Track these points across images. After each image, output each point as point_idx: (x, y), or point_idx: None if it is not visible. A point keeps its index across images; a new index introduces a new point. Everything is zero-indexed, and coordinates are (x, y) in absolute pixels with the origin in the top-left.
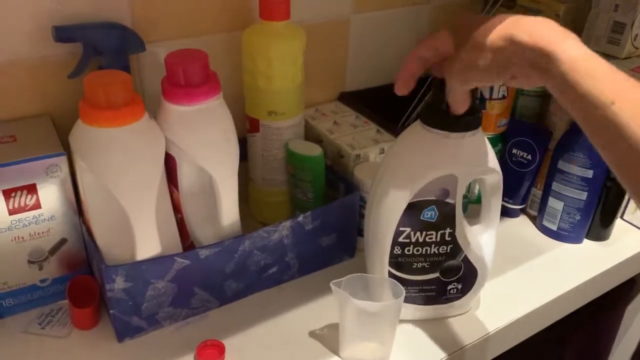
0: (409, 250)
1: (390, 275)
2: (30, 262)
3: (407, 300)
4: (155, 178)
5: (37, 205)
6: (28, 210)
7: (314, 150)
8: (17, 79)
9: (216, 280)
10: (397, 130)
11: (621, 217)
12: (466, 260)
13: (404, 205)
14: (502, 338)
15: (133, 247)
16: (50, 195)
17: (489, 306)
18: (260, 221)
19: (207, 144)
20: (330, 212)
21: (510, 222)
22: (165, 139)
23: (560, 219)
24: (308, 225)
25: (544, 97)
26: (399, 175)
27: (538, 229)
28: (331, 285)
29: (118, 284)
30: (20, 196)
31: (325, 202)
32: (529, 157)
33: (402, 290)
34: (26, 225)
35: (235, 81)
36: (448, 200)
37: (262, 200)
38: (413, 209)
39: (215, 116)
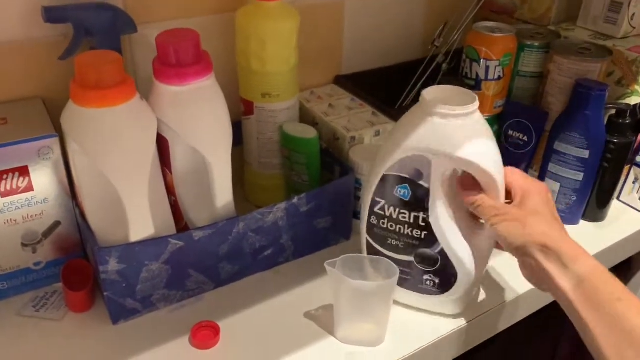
0: (383, 223)
1: (369, 245)
2: (23, 245)
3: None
4: (147, 159)
5: (29, 188)
6: (20, 193)
7: (309, 132)
8: (7, 61)
9: (211, 263)
10: (393, 113)
11: (617, 198)
12: (444, 255)
13: (379, 176)
14: (495, 319)
15: (126, 229)
16: (43, 178)
17: (483, 287)
18: (256, 205)
19: (200, 125)
20: (325, 194)
21: None
22: (158, 121)
23: (556, 200)
24: (303, 207)
25: (541, 78)
26: (385, 147)
27: None
28: (325, 265)
29: (112, 266)
30: (12, 178)
31: (320, 185)
32: (525, 138)
33: (397, 270)
34: (19, 208)
35: (229, 64)
36: (421, 182)
37: (258, 183)
38: (387, 181)
39: (208, 96)
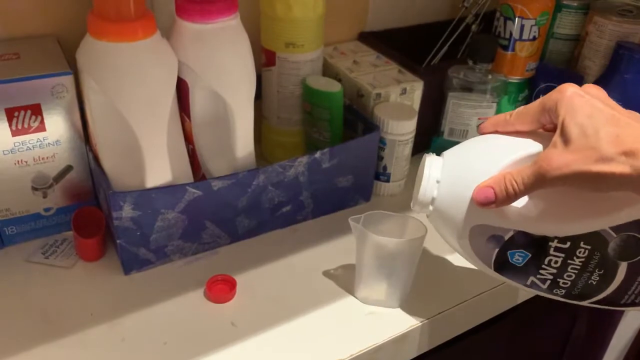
0: (565, 284)
1: (601, 302)
2: (34, 188)
3: None
4: (167, 100)
5: (41, 128)
6: (32, 133)
7: (333, 86)
8: None
9: (228, 215)
10: (420, 71)
11: None
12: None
13: (494, 274)
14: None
15: (142, 174)
16: (56, 118)
17: None
18: (273, 163)
19: (223, 67)
20: (348, 150)
21: None
22: (178, 63)
23: None
24: (325, 163)
25: (576, 41)
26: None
27: None
28: (350, 220)
29: (126, 212)
30: (24, 117)
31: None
32: None
33: (425, 228)
34: (30, 149)
35: (251, 11)
36: (507, 235)
37: (276, 140)
38: (504, 268)
39: (232, 37)
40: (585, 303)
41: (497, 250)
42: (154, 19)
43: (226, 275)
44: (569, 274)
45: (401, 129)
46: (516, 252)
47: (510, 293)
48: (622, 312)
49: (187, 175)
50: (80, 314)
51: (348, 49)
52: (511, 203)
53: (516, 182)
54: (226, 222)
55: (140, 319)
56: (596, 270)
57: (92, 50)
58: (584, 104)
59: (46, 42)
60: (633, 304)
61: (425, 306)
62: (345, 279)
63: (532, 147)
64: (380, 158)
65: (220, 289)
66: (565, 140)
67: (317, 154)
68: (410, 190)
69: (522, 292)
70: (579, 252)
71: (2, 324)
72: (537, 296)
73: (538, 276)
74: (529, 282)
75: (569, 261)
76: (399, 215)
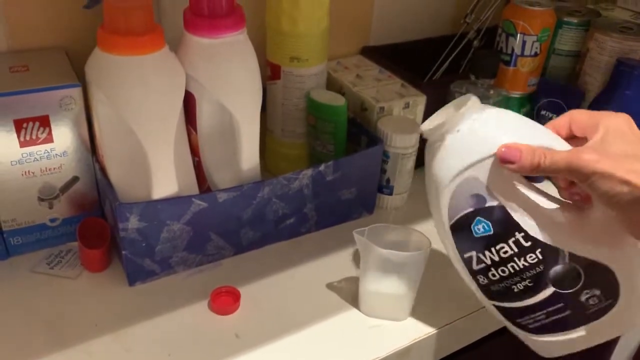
0: (494, 276)
1: (503, 311)
2: (40, 199)
3: (542, 331)
4: (175, 113)
5: (49, 139)
6: (40, 144)
7: (337, 100)
8: (30, 9)
9: (233, 227)
10: (422, 86)
11: None
12: (576, 257)
13: (448, 233)
14: None
15: (149, 185)
16: (64, 129)
17: None
18: (277, 175)
19: (230, 81)
20: (352, 163)
21: None
22: (186, 76)
23: None
24: (329, 175)
25: (577, 57)
26: (430, 203)
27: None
28: (354, 233)
29: (132, 224)
30: (32, 128)
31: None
32: None
33: (429, 242)
34: (37, 160)
35: (257, 25)
36: (488, 204)
37: (280, 152)
38: (460, 232)
39: (240, 51)
40: (492, 302)
41: (470, 210)
42: (162, 33)
43: (230, 286)
44: (505, 270)
45: (404, 143)
46: (484, 222)
47: None
48: None
49: (192, 187)
50: (85, 325)
51: (351, 63)
52: (528, 173)
53: (546, 157)
54: (231, 234)
55: (144, 330)
56: (527, 281)
57: (101, 63)
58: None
59: (55, 55)
60: (523, 327)
61: (430, 319)
62: (349, 292)
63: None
64: (384, 171)
65: (224, 300)
66: (604, 145)
67: (322, 167)
68: (414, 203)
69: None
70: (529, 257)
71: (7, 333)
72: None
73: (480, 255)
74: (467, 255)
75: (515, 259)
76: (402, 228)
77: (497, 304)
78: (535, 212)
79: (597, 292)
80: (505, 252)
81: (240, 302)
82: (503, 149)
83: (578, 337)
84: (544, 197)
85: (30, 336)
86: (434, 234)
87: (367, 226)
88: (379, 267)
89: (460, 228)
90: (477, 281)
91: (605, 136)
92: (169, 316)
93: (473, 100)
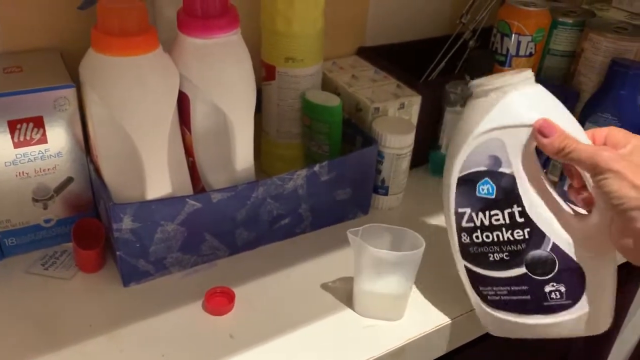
0: (477, 237)
1: (470, 273)
2: (34, 200)
3: (497, 306)
4: (168, 113)
5: (43, 140)
6: (34, 145)
7: (332, 100)
8: (24, 10)
9: (227, 228)
10: (418, 86)
11: None
12: (559, 251)
13: (454, 181)
14: None
15: (143, 186)
16: (58, 130)
17: None
18: (272, 176)
19: (224, 81)
20: (346, 164)
21: None
22: (180, 77)
23: None
24: (324, 176)
25: (571, 57)
26: (451, 147)
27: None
28: (348, 233)
29: (126, 224)
30: (26, 129)
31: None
32: None
33: (423, 241)
34: (31, 161)
35: (252, 26)
36: (502, 169)
37: (275, 153)
38: (465, 185)
39: (234, 52)
40: (464, 262)
41: (483, 168)
42: (156, 33)
43: (225, 287)
44: (490, 236)
45: (399, 143)
46: (490, 184)
47: None
48: (620, 321)
49: (186, 188)
50: (79, 325)
51: (346, 63)
52: (553, 153)
53: (572, 145)
54: (225, 234)
55: (138, 330)
56: (505, 254)
57: (95, 64)
58: None
59: (49, 56)
60: (482, 296)
61: (424, 319)
62: (343, 292)
63: None
64: (379, 171)
65: (219, 301)
66: (629, 157)
67: (316, 167)
68: (408, 204)
69: None
70: (516, 233)
71: (1, 334)
72: None
73: (473, 214)
74: (461, 210)
75: (503, 229)
76: (397, 228)
77: (468, 265)
78: (540, 194)
79: (562, 289)
80: (497, 219)
81: (235, 303)
82: (542, 121)
83: (529, 323)
84: (552, 188)
85: (24, 337)
86: (429, 234)
87: (362, 226)
88: (373, 267)
89: (466, 183)
90: (459, 238)
91: (633, 150)
92: (163, 317)
93: (528, 73)
